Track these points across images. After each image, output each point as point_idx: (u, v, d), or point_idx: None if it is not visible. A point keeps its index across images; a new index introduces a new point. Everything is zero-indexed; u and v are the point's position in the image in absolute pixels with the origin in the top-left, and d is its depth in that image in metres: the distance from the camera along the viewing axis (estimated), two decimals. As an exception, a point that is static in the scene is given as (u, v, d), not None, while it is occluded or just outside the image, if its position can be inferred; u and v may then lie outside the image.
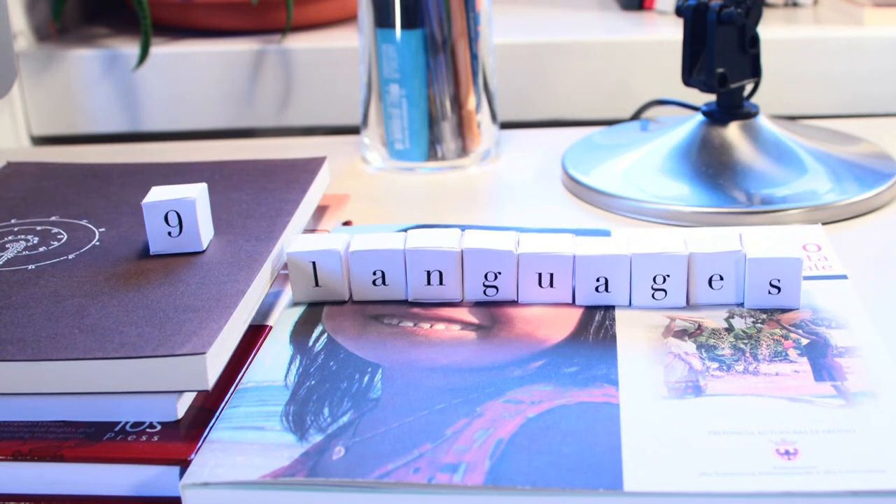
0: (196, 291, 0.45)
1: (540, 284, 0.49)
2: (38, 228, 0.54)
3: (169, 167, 0.62)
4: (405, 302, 0.49)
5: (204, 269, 0.47)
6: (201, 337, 0.41)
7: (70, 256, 0.50)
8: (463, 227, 0.52)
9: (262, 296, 0.48)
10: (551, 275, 0.48)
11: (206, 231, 0.50)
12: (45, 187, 0.59)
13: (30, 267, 0.49)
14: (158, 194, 0.49)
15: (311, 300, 0.50)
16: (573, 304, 0.49)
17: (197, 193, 0.49)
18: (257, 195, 0.56)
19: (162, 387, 0.40)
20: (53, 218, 0.55)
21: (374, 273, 0.49)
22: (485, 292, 0.49)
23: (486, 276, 0.49)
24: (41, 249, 0.51)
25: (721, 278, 0.48)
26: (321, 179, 0.60)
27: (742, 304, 0.48)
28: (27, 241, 0.52)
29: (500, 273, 0.49)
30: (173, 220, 0.49)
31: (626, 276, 0.48)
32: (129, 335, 0.41)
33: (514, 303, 0.49)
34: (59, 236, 0.52)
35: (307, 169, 0.60)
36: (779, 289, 0.47)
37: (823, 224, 0.60)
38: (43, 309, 0.44)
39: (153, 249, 0.49)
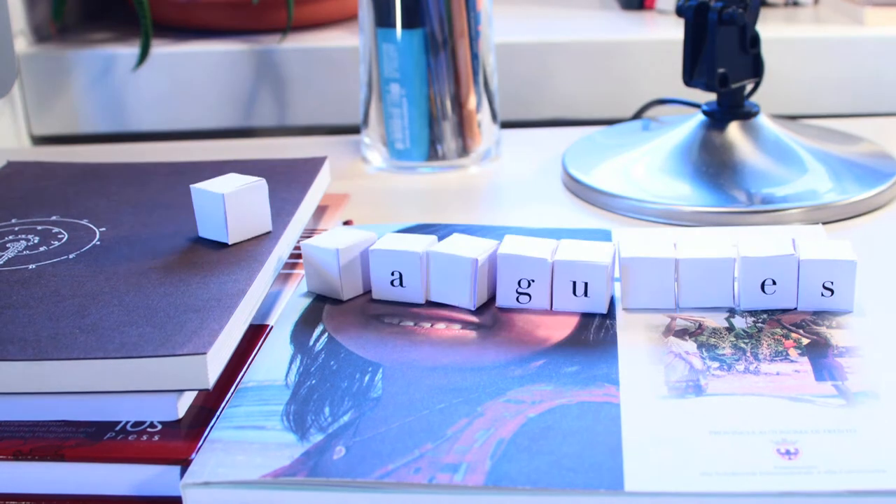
0: (196, 291, 0.45)
1: (574, 293, 0.48)
2: (39, 228, 0.54)
3: (169, 167, 0.62)
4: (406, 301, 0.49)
5: (204, 269, 0.47)
6: (202, 337, 0.41)
7: (71, 256, 0.50)
8: (501, 233, 0.51)
9: (262, 295, 0.48)
10: (586, 283, 0.47)
11: (239, 227, 0.50)
12: (46, 187, 0.59)
13: (30, 266, 0.49)
14: (211, 185, 0.51)
15: (321, 293, 0.50)
16: (608, 312, 0.48)
17: (230, 190, 0.50)
18: (258, 195, 0.56)
19: (162, 386, 0.40)
20: (54, 217, 0.55)
21: (393, 273, 0.49)
22: (517, 300, 0.48)
23: (519, 283, 0.48)
24: (42, 249, 0.51)
25: (774, 283, 0.47)
26: (321, 179, 0.60)
27: (795, 309, 0.47)
28: (28, 240, 0.52)
29: (533, 280, 0.48)
30: (216, 210, 0.50)
31: (672, 280, 0.47)
32: (130, 335, 0.41)
33: (546, 312, 0.48)
34: (59, 236, 0.52)
35: (307, 169, 0.60)
36: (832, 291, 0.47)
37: (823, 224, 0.60)
38: (43, 309, 0.44)
39: (201, 233, 0.52)
